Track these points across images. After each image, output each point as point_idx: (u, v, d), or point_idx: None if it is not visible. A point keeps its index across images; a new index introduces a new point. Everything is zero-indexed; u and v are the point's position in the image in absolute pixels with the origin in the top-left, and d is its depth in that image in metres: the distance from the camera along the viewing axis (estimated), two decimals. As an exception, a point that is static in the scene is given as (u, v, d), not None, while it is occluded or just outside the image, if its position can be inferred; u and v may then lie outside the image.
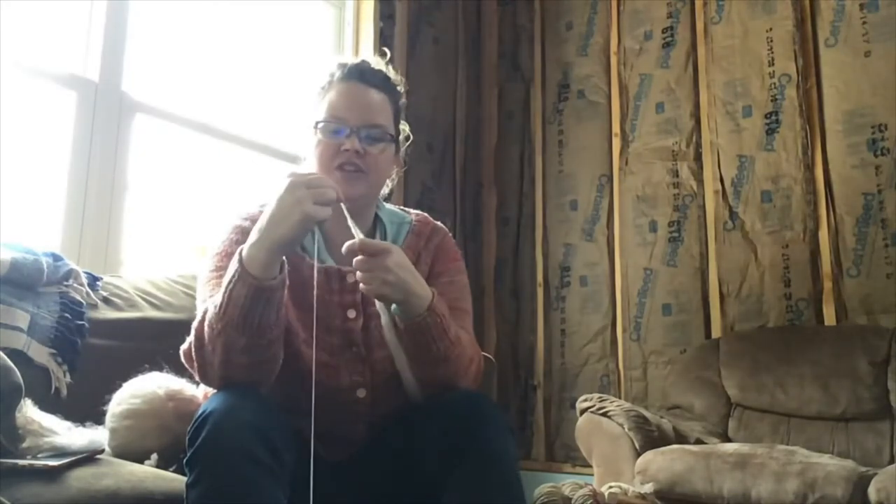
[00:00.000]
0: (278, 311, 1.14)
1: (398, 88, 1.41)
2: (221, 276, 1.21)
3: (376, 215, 1.41)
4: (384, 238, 1.39)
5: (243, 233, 1.27)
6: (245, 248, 1.12)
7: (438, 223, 1.47)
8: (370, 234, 1.38)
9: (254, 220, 1.26)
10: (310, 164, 1.33)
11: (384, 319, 1.20)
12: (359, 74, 1.34)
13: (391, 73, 1.40)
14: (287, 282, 1.15)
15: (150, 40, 2.42)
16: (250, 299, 1.09)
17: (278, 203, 1.11)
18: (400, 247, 1.34)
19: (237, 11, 2.77)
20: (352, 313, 1.29)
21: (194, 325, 1.17)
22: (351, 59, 1.37)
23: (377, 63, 1.39)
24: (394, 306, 1.19)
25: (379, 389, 1.28)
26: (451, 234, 1.47)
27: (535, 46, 3.64)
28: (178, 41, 2.54)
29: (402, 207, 1.48)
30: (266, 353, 1.14)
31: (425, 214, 1.47)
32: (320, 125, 1.31)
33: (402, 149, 1.44)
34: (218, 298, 1.11)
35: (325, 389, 1.24)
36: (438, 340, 1.19)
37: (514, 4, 3.74)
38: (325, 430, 1.25)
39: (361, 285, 1.14)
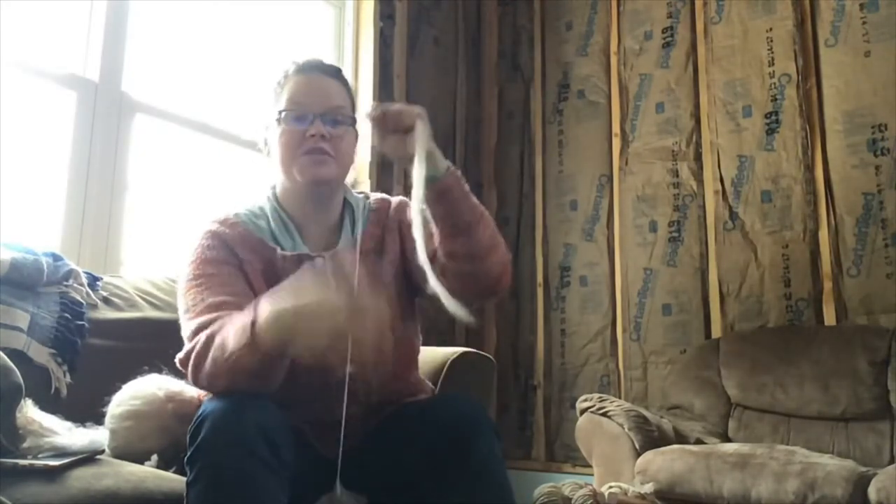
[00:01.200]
0: (286, 364, 1.14)
1: (350, 84, 1.45)
2: (201, 286, 1.22)
3: (345, 200, 1.43)
4: (352, 223, 1.40)
5: (215, 237, 1.29)
6: (259, 321, 1.07)
7: (399, 197, 1.48)
8: (339, 218, 1.40)
9: (226, 225, 1.30)
10: (275, 156, 1.35)
11: (417, 199, 1.15)
12: (312, 67, 1.39)
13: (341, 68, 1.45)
14: None
15: (150, 40, 2.42)
16: (261, 365, 1.09)
17: (284, 332, 1.06)
18: (363, 229, 1.37)
19: (237, 11, 2.76)
20: None
21: (194, 347, 1.15)
22: (304, 57, 1.42)
23: (327, 60, 1.44)
24: (425, 173, 1.16)
25: (366, 363, 1.28)
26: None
27: (535, 46, 3.64)
28: (178, 41, 2.54)
29: (361, 192, 1.51)
30: (271, 386, 1.15)
31: (383, 195, 1.49)
32: (283, 114, 1.33)
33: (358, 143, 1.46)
34: (229, 347, 1.09)
35: (316, 374, 1.24)
36: (469, 196, 1.22)
37: (514, 4, 3.74)
38: (321, 419, 1.25)
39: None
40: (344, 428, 1.28)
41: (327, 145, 1.31)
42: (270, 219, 1.35)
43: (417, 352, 1.45)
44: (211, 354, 1.11)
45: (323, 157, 1.31)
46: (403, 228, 1.40)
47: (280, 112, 1.34)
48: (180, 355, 1.19)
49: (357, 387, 1.28)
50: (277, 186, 1.40)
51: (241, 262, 1.28)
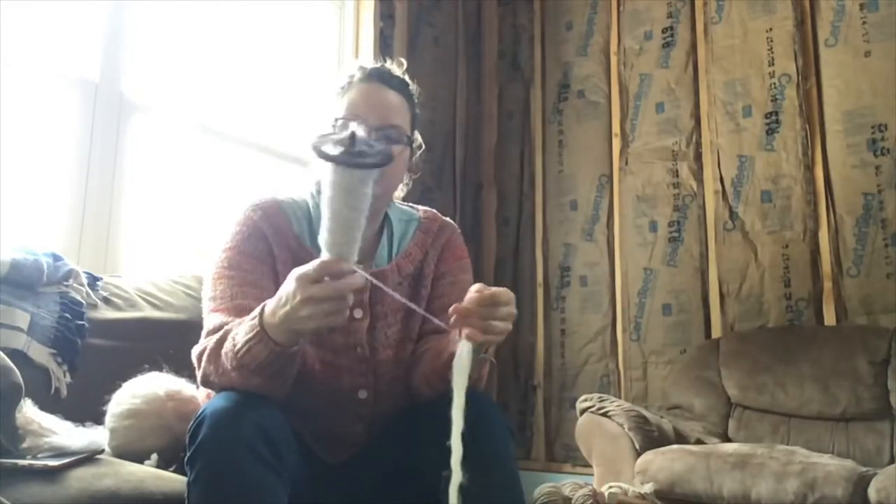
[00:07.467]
0: (297, 361, 1.13)
1: (415, 98, 1.41)
2: (233, 280, 1.21)
3: (385, 213, 1.40)
4: (391, 237, 1.38)
5: (256, 228, 1.27)
6: (267, 314, 1.06)
7: (447, 220, 1.46)
8: (378, 232, 1.38)
9: (268, 213, 1.27)
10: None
11: (466, 361, 1.10)
12: (379, 76, 1.35)
13: (409, 81, 1.41)
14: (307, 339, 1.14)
15: (150, 40, 2.42)
16: (270, 359, 1.06)
17: (291, 312, 1.02)
18: (408, 244, 1.35)
19: (237, 11, 2.76)
20: (358, 313, 1.28)
21: (208, 345, 1.14)
22: (371, 63, 1.38)
23: (397, 70, 1.40)
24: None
25: (381, 391, 1.29)
26: (459, 231, 1.47)
27: (535, 46, 3.64)
28: (179, 41, 2.54)
29: (410, 204, 1.48)
30: (282, 387, 1.14)
31: (434, 211, 1.47)
32: (339, 122, 1.30)
33: (416, 156, 1.44)
34: (239, 341, 1.08)
35: (327, 389, 1.24)
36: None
37: (514, 4, 3.74)
38: (325, 430, 1.26)
39: (484, 334, 1.08)
40: (348, 439, 1.28)
41: None
42: (313, 218, 1.31)
43: None
44: (223, 350, 1.11)
45: None
46: (444, 251, 1.39)
47: (336, 119, 1.30)
48: (195, 350, 1.19)
49: (363, 410, 1.28)
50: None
51: (274, 259, 1.26)
